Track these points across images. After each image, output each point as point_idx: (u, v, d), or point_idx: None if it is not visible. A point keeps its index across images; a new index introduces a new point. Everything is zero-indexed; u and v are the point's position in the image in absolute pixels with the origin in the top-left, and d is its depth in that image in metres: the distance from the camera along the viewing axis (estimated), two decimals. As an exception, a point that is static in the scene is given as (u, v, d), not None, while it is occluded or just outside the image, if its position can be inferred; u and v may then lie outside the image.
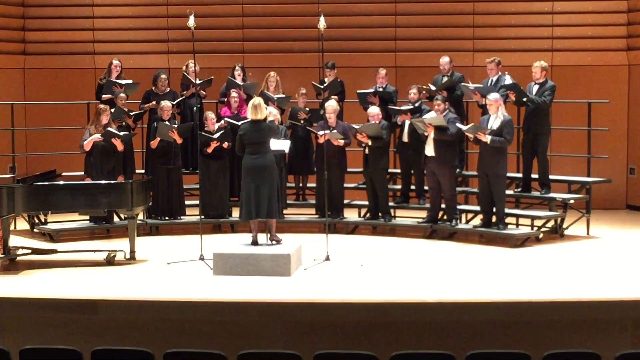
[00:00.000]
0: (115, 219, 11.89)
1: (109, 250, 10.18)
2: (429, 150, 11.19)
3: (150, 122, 12.18)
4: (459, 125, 11.08)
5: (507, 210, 11.21)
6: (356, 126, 11.65)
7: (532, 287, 8.81)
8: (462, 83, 11.83)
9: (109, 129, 11.24)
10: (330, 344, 7.62)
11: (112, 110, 11.64)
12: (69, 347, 6.20)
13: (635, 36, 14.27)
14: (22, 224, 12.12)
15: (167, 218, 11.93)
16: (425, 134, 11.16)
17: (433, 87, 11.92)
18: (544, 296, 8.38)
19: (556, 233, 11.56)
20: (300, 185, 12.67)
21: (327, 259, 9.83)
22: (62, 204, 10.01)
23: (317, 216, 12.10)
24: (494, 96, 10.92)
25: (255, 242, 9.74)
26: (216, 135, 11.65)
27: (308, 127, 12.07)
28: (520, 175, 11.89)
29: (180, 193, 11.97)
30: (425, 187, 11.77)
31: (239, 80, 12.33)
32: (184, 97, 12.31)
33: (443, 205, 11.43)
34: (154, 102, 12.13)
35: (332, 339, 7.95)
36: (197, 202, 11.74)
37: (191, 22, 10.03)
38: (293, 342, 7.87)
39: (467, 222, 11.83)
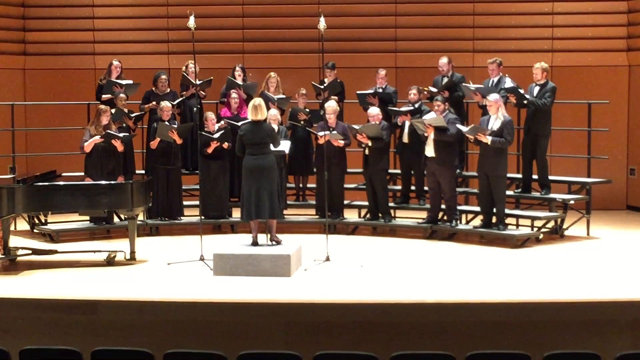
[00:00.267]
0: (116, 219, 11.89)
1: (109, 251, 10.18)
2: (429, 150, 11.19)
3: (150, 123, 12.18)
4: (459, 126, 11.08)
5: (507, 211, 11.21)
6: (356, 127, 11.65)
7: (532, 287, 8.81)
8: (463, 83, 11.83)
9: (109, 130, 11.24)
10: (330, 345, 7.62)
11: (113, 110, 11.64)
12: (69, 347, 6.20)
13: (635, 37, 14.27)
14: (22, 225, 12.11)
15: (166, 219, 11.93)
16: (425, 134, 11.16)
17: (434, 90, 11.92)
18: (544, 297, 8.38)
19: (556, 234, 11.56)
20: (300, 185, 12.66)
21: (327, 259, 9.83)
22: (62, 204, 10.01)
23: (317, 217, 12.10)
24: (493, 97, 10.92)
25: (255, 243, 9.74)
26: (216, 136, 11.65)
27: (308, 128, 12.07)
28: (520, 175, 11.89)
29: (179, 194, 11.96)
30: (425, 188, 11.77)
31: (239, 81, 12.33)
32: (183, 97, 12.31)
33: (443, 206, 11.43)
34: (154, 103, 12.13)
35: (332, 339, 7.95)
36: (197, 202, 11.74)
37: (191, 22, 10.04)
38: (293, 342, 7.87)
39: (467, 222, 11.83)
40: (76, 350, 6.10)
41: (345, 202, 12.21)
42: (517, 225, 11.71)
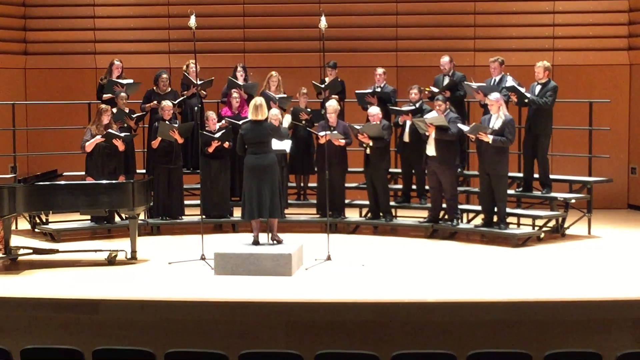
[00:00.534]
0: (117, 218, 11.89)
1: (110, 250, 10.18)
2: (430, 150, 11.18)
3: (151, 122, 12.18)
4: (460, 125, 11.08)
5: (508, 210, 11.20)
6: (357, 126, 11.65)
7: (533, 286, 8.80)
8: (465, 82, 11.82)
9: (110, 130, 11.24)
10: (331, 344, 7.62)
11: (114, 110, 11.64)
12: (70, 347, 6.20)
13: (637, 35, 14.26)
14: (24, 224, 12.12)
15: (167, 218, 11.93)
16: (427, 133, 11.16)
17: (435, 89, 11.91)
18: (546, 296, 8.37)
19: (557, 233, 11.55)
20: (302, 185, 12.67)
21: (329, 258, 9.83)
22: (64, 204, 10.01)
23: (318, 216, 12.10)
24: (494, 96, 10.92)
25: (256, 242, 9.74)
26: (217, 135, 11.65)
27: (309, 128, 12.06)
28: (521, 175, 11.88)
29: (180, 193, 11.96)
30: (427, 187, 11.77)
31: (240, 80, 12.33)
32: (184, 97, 12.30)
33: (444, 205, 11.42)
34: (155, 102, 12.13)
35: (334, 338, 7.95)
36: (198, 201, 11.75)
37: (192, 22, 10.04)
38: (294, 341, 7.87)
39: (469, 221, 11.83)
40: (77, 350, 6.11)
41: (346, 201, 12.21)
42: (518, 224, 11.71)
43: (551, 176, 11.72)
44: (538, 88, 11.44)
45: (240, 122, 11.23)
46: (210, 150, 11.66)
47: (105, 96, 12.12)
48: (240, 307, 8.24)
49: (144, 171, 12.19)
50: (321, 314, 8.14)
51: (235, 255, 9.40)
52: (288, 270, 9.28)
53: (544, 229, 11.45)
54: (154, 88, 12.33)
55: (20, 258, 10.15)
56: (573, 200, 11.57)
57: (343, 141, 11.56)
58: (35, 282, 9.19)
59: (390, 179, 12.34)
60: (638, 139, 14.18)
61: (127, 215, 10.74)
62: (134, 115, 11.99)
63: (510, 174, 11.28)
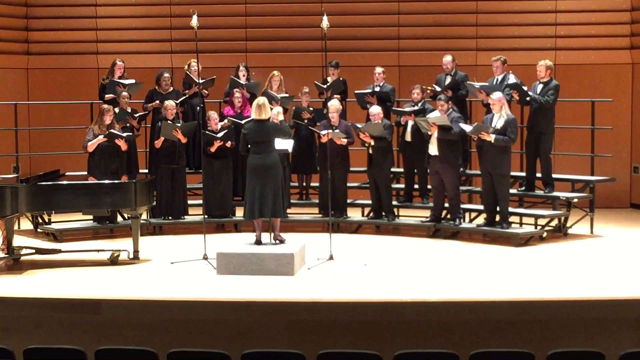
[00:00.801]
0: (119, 218, 11.90)
1: (112, 250, 10.18)
2: (433, 149, 11.18)
3: (153, 122, 12.19)
4: (462, 125, 11.07)
5: (510, 209, 11.20)
6: (359, 125, 11.64)
7: (535, 286, 8.80)
8: (468, 81, 11.82)
9: (112, 130, 11.24)
10: (333, 344, 7.62)
11: (116, 110, 11.64)
12: (73, 346, 6.20)
13: (639, 35, 14.25)
14: (26, 224, 12.13)
15: (169, 218, 11.93)
16: (429, 133, 11.16)
17: (437, 88, 11.91)
18: (548, 295, 8.37)
19: (560, 232, 11.54)
20: (304, 184, 12.67)
21: (331, 258, 9.83)
22: (66, 203, 10.01)
23: (320, 215, 12.10)
24: (497, 95, 10.92)
25: (258, 242, 9.74)
26: (219, 135, 11.66)
27: (311, 127, 12.06)
28: (523, 174, 11.88)
29: (183, 193, 11.97)
30: (429, 186, 11.77)
31: (243, 80, 12.34)
32: (186, 96, 12.30)
33: (446, 205, 11.42)
34: (157, 102, 12.13)
35: (336, 338, 7.95)
36: (200, 201, 11.75)
37: (194, 21, 10.04)
38: (296, 341, 7.87)
39: (471, 221, 11.83)
40: (80, 350, 6.11)
41: (349, 200, 12.20)
42: (521, 224, 11.71)
43: (553, 175, 11.71)
44: (540, 87, 11.44)
45: (243, 122, 11.23)
46: (213, 149, 11.66)
47: (108, 96, 12.12)
48: (243, 307, 8.24)
49: (146, 171, 12.19)
50: (324, 314, 8.14)
51: (237, 255, 9.40)
52: (290, 270, 9.28)
53: (547, 228, 11.45)
54: (156, 88, 12.33)
55: (22, 258, 10.16)
56: (575, 200, 11.56)
57: (345, 140, 11.56)
58: (38, 282, 9.19)
59: (393, 178, 12.33)
60: (640, 138, 14.19)
61: (129, 215, 10.74)
62: (136, 115, 11.99)
63: (512, 173, 11.28)
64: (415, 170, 12.00)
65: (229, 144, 11.71)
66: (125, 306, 8.32)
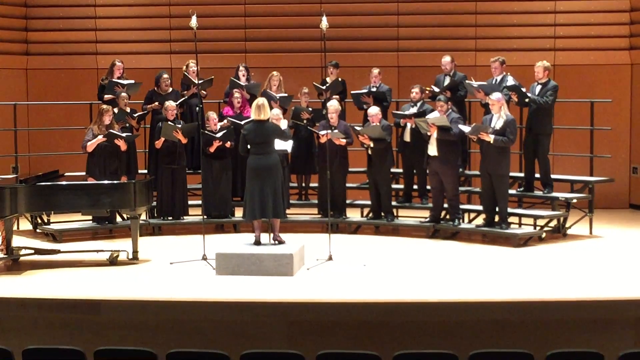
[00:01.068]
0: (118, 219, 11.89)
1: (111, 251, 10.18)
2: (432, 150, 11.18)
3: (153, 123, 12.19)
4: (461, 126, 11.08)
5: (509, 210, 11.20)
6: (357, 127, 11.65)
7: (534, 286, 8.80)
8: (466, 81, 11.82)
9: (112, 130, 11.24)
10: (333, 344, 7.62)
11: (115, 110, 11.64)
12: (72, 347, 6.20)
13: (638, 35, 14.26)
14: (25, 224, 12.13)
15: (170, 218, 11.93)
16: (429, 133, 11.16)
17: (436, 89, 11.92)
18: (547, 296, 8.37)
19: (559, 232, 11.54)
20: (303, 185, 12.67)
21: (330, 258, 9.83)
22: (65, 204, 10.01)
23: (319, 216, 12.10)
24: (496, 96, 10.92)
25: (258, 242, 9.74)
26: (219, 135, 11.66)
27: (310, 127, 12.06)
28: (522, 174, 11.88)
29: (183, 193, 11.96)
30: (428, 187, 11.77)
31: (243, 80, 12.34)
32: (185, 97, 12.30)
33: (446, 205, 11.42)
34: (157, 103, 12.13)
35: (335, 338, 7.95)
36: (199, 202, 11.75)
37: (193, 22, 10.04)
38: (296, 342, 7.87)
39: (470, 221, 11.83)
40: (79, 350, 6.11)
41: (348, 201, 12.21)
42: (520, 224, 11.71)
43: (552, 176, 11.71)
44: (538, 88, 11.45)
45: (242, 122, 11.24)
46: (212, 150, 11.66)
47: (106, 96, 12.12)
48: (242, 308, 8.23)
49: (145, 171, 12.19)
50: (323, 314, 8.14)
51: (236, 255, 9.40)
52: (289, 271, 9.28)
53: (546, 228, 11.45)
54: (155, 88, 12.33)
55: (21, 258, 10.16)
56: (574, 200, 11.56)
57: (344, 140, 11.56)
58: (37, 282, 9.19)
59: (392, 178, 12.33)
60: (639, 139, 14.17)
61: (128, 216, 10.73)
62: (135, 115, 11.99)
63: (511, 174, 11.28)
64: (415, 171, 12.01)
65: (228, 144, 11.71)
66: (124, 306, 8.32)
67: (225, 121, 11.96)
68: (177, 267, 9.73)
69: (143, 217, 11.47)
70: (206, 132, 11.59)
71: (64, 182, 10.23)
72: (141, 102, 12.37)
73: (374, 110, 11.60)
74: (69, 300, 8.36)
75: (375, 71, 12.32)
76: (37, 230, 11.80)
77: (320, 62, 11.51)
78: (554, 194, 11.58)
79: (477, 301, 8.24)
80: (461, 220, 11.49)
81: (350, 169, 12.00)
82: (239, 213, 11.66)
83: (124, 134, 11.34)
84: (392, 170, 12.17)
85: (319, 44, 10.54)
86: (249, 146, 9.87)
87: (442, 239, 11.42)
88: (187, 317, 8.17)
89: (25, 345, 6.30)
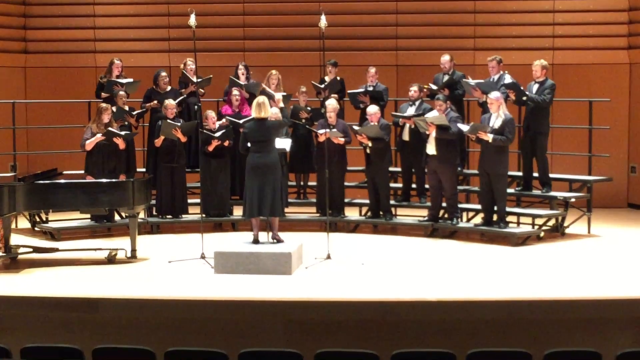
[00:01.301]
0: (117, 217, 11.89)
1: (110, 249, 10.19)
2: (431, 148, 11.18)
3: (152, 121, 12.18)
4: (459, 125, 11.08)
5: (508, 209, 11.20)
6: (356, 126, 11.65)
7: (533, 285, 8.81)
8: (463, 79, 11.82)
9: (110, 128, 11.23)
10: (331, 343, 7.63)
11: (114, 108, 11.63)
12: (70, 345, 6.21)
13: (637, 34, 14.26)
14: (24, 223, 12.12)
15: (169, 217, 11.93)
16: (427, 132, 11.16)
17: (434, 87, 11.93)
18: (545, 295, 8.38)
19: (557, 232, 11.55)
20: (301, 183, 12.67)
21: (328, 257, 9.83)
22: (64, 202, 10.01)
23: (318, 215, 12.10)
24: (495, 95, 10.92)
25: (256, 241, 9.74)
26: (217, 134, 11.65)
27: (308, 126, 12.06)
28: (521, 173, 11.89)
29: (183, 192, 11.96)
30: (426, 186, 11.78)
31: (242, 79, 12.34)
32: (183, 95, 12.30)
33: (444, 204, 11.43)
34: (155, 102, 12.13)
35: (333, 337, 7.95)
36: (198, 200, 11.75)
37: (192, 20, 10.03)
38: (294, 340, 7.87)
39: (468, 220, 11.83)
40: (77, 349, 6.11)
41: (346, 200, 12.21)
42: (518, 223, 11.69)
43: (551, 175, 11.72)
44: (536, 87, 11.45)
45: (242, 121, 11.23)
46: (210, 148, 11.66)
47: (104, 95, 12.12)
48: (240, 306, 8.24)
49: (144, 170, 12.19)
50: (321, 313, 8.14)
51: (235, 254, 9.40)
52: (288, 269, 9.29)
53: (544, 228, 11.46)
54: (154, 87, 12.33)
55: (20, 257, 10.15)
56: (573, 199, 11.57)
57: (342, 139, 11.56)
58: (35, 280, 9.19)
59: (390, 177, 12.33)
60: (638, 138, 14.18)
61: (127, 214, 10.74)
62: (134, 113, 11.99)
63: (509, 173, 11.28)
64: (413, 170, 12.01)
65: (227, 142, 11.71)
66: (122, 305, 8.32)
67: (224, 120, 11.95)
68: (175, 266, 9.73)
69: (141, 215, 11.47)
70: (205, 131, 11.59)
71: (62, 181, 10.23)
72: (140, 101, 12.37)
73: (372, 110, 11.59)
74: (67, 299, 8.36)
75: (372, 70, 12.32)
76: (36, 229, 11.79)
77: (318, 61, 11.52)
78: (553, 193, 11.59)
79: (475, 300, 8.25)
80: (459, 219, 11.50)
81: (348, 168, 12.00)
82: (237, 212, 11.66)
83: (122, 133, 11.33)
84: (391, 169, 12.18)
85: (318, 42, 10.54)
86: (249, 144, 9.88)
87: (441, 238, 11.42)
88: (185, 316, 8.17)
89: (23, 343, 6.31)
